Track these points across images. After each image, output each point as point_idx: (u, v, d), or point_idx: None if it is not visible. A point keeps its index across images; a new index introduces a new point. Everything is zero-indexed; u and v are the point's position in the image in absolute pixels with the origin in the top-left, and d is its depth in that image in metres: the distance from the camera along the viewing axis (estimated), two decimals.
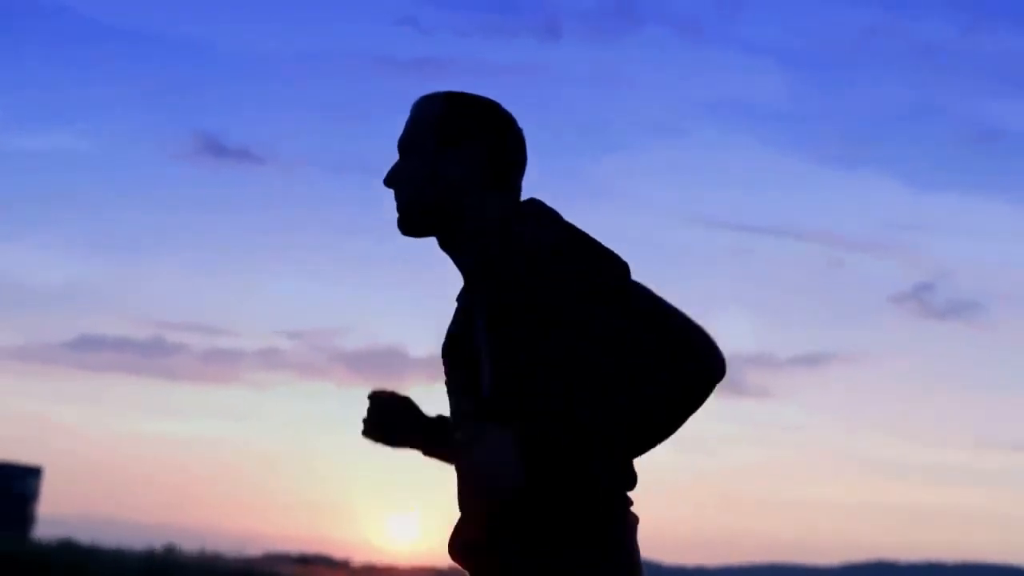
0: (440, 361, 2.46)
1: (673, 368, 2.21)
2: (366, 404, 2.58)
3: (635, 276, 2.33)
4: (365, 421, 2.55)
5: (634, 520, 2.30)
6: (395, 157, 2.47)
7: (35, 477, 37.89)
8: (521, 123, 2.47)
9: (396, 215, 2.44)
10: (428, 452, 2.57)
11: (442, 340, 2.47)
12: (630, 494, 2.32)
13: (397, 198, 2.44)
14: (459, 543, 2.37)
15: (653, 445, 2.27)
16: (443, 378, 2.45)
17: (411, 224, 2.43)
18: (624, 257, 2.32)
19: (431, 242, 2.46)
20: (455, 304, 2.48)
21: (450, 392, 2.44)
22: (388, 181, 2.44)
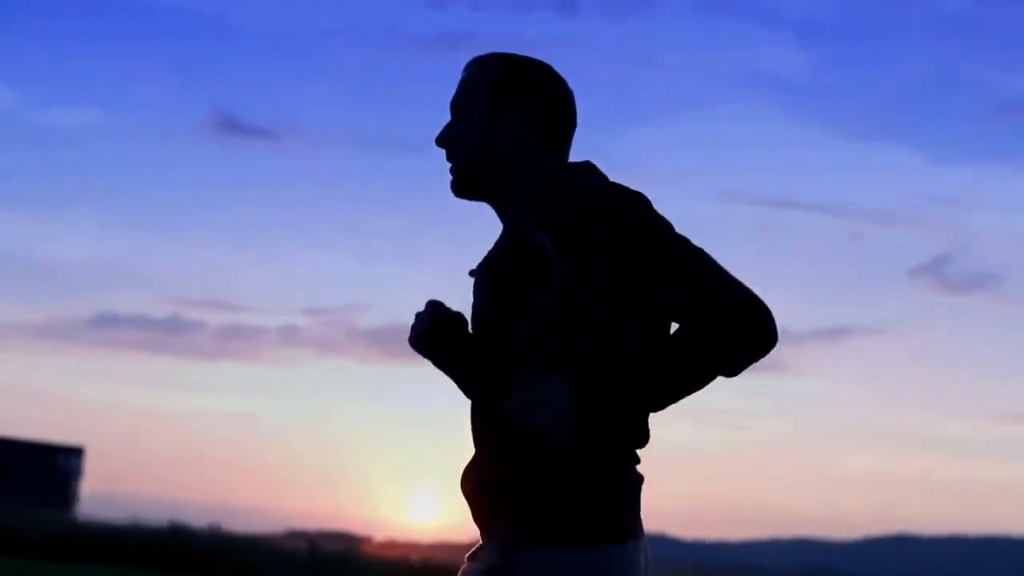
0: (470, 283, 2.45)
1: (725, 335, 2.24)
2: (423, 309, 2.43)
3: None
4: (415, 327, 2.42)
5: (640, 478, 2.33)
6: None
7: (77, 456, 37.96)
8: None
9: (450, 176, 2.43)
10: (465, 381, 2.44)
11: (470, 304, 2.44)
12: (639, 451, 2.35)
13: (451, 158, 2.43)
14: (474, 478, 2.37)
15: (677, 400, 2.30)
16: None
17: (467, 185, 2.43)
18: None
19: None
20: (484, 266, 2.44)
21: (476, 322, 2.42)
22: (441, 140, 2.43)
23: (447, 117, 2.47)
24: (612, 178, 2.39)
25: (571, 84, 2.46)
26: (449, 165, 2.43)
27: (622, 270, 2.25)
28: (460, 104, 2.44)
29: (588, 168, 2.41)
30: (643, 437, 2.32)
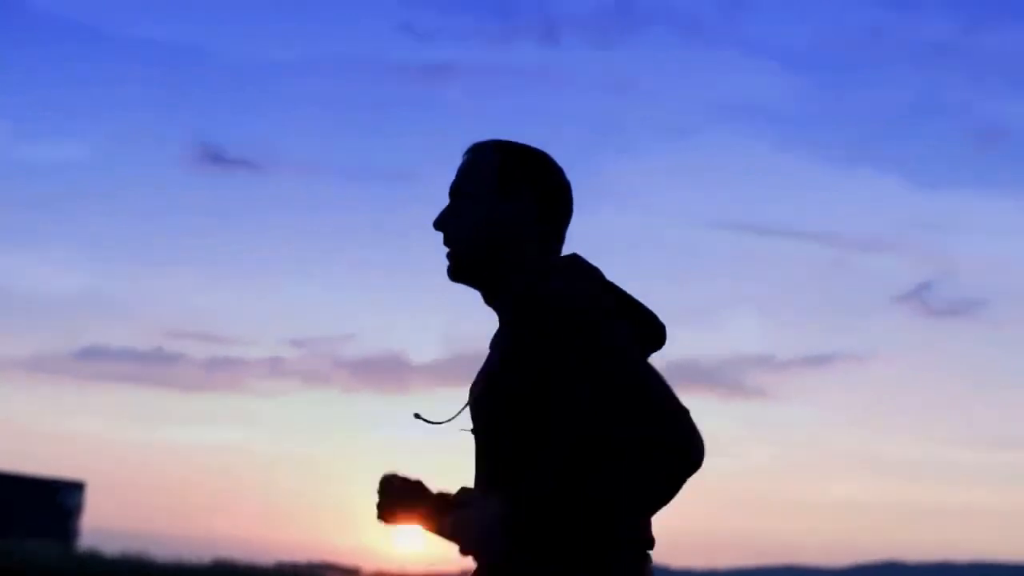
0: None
1: (667, 463, 2.18)
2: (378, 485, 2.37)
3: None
4: (377, 504, 2.35)
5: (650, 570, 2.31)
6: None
7: (79, 491, 37.59)
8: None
9: (447, 261, 2.43)
10: (436, 528, 2.33)
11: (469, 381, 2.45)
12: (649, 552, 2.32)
13: (449, 242, 2.43)
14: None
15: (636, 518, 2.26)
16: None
17: (465, 269, 2.42)
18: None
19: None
20: (486, 348, 2.46)
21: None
22: (440, 224, 2.44)
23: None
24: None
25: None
26: (446, 250, 2.43)
27: (578, 384, 2.20)
28: (460, 189, 2.44)
29: (566, 263, 2.38)
30: (646, 542, 2.29)
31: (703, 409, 2.33)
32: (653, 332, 2.35)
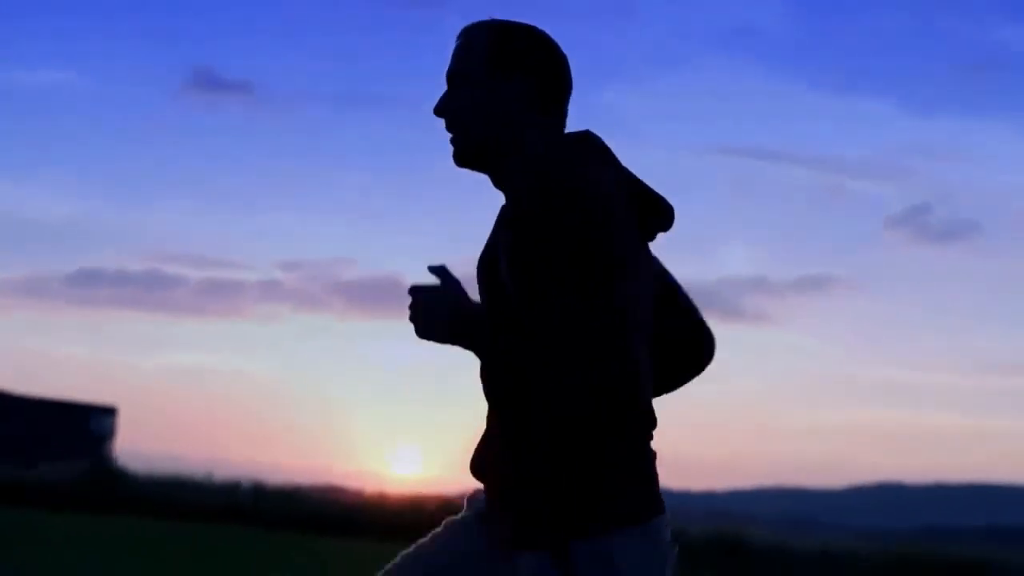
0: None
1: (682, 358, 2.45)
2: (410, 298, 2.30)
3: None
4: (412, 320, 2.28)
5: (654, 454, 2.32)
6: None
7: (110, 416, 37.86)
8: None
9: (452, 147, 2.40)
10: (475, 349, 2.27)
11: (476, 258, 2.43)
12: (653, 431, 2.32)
13: (451, 128, 2.40)
14: (484, 459, 2.36)
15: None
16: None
17: (470, 154, 2.39)
18: None
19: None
20: (489, 229, 2.43)
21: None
22: (439, 111, 2.41)
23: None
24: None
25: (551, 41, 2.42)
26: (449, 136, 2.41)
27: (591, 268, 2.15)
28: (456, 73, 2.41)
29: (576, 139, 2.35)
30: (650, 418, 2.29)
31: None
32: (660, 214, 2.35)
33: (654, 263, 2.39)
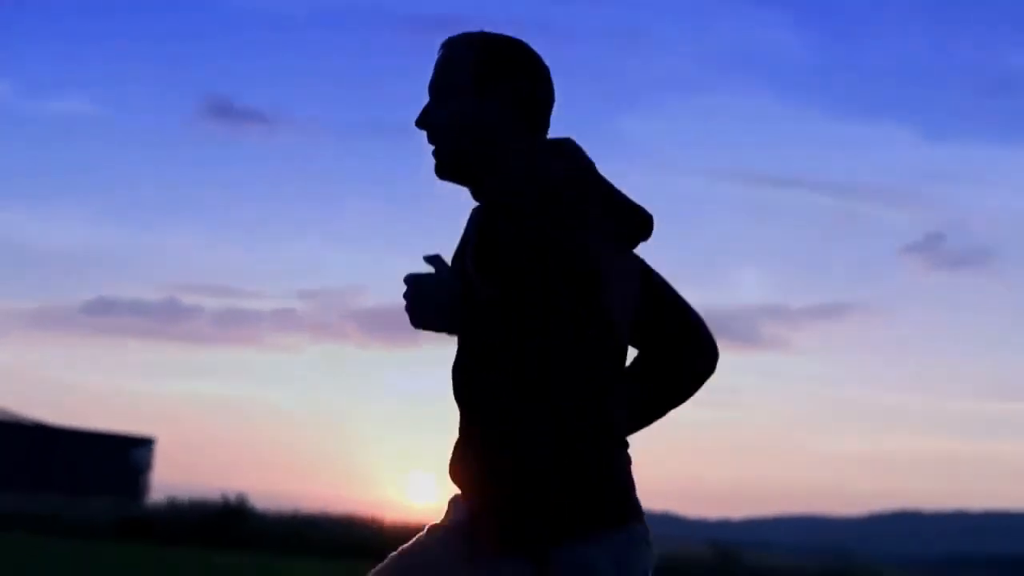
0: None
1: (683, 361, 2.41)
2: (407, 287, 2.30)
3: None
4: (408, 309, 2.29)
5: (629, 459, 2.33)
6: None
7: (148, 448, 37.82)
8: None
9: (433, 160, 2.39)
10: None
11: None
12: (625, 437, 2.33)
13: (433, 141, 2.39)
14: (470, 475, 2.35)
15: (645, 426, 2.41)
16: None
17: (450, 166, 2.38)
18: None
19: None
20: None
21: None
22: (420, 123, 2.40)
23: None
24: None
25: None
26: (431, 148, 2.40)
27: (572, 266, 2.18)
28: (439, 85, 2.40)
29: (563, 146, 2.36)
30: (622, 425, 2.33)
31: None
32: (637, 222, 2.33)
33: (644, 269, 2.40)
